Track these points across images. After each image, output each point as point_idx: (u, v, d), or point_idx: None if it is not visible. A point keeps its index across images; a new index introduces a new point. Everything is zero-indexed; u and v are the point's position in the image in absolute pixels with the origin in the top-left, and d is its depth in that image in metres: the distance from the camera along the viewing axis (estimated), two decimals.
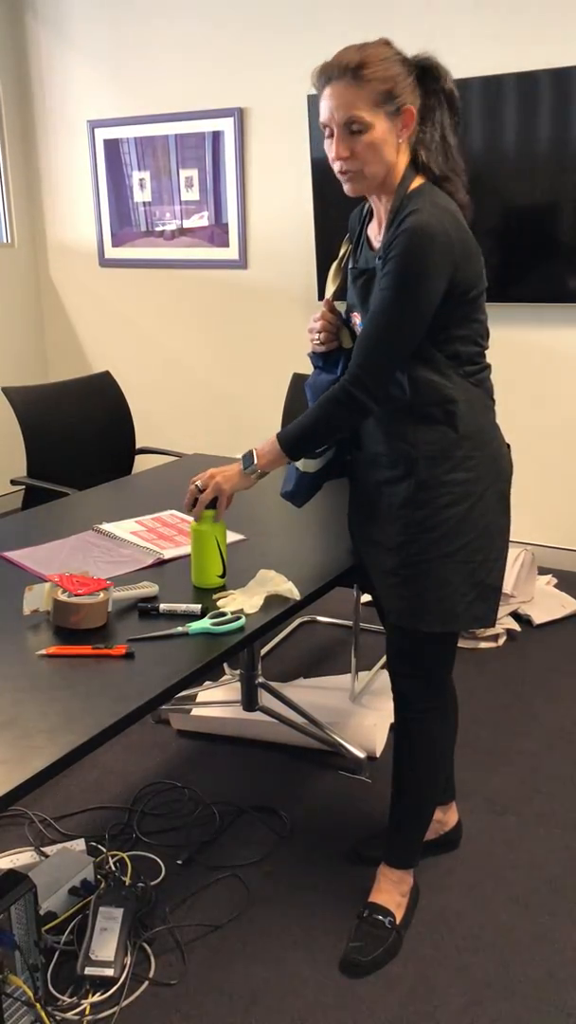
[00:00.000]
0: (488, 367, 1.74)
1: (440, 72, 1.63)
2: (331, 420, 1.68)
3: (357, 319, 1.77)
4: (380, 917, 1.91)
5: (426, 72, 1.62)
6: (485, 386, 1.72)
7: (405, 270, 1.55)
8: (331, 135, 1.61)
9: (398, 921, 1.92)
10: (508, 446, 1.82)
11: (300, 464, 1.93)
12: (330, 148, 1.62)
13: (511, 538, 3.99)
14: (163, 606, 1.74)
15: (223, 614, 1.71)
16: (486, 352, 1.72)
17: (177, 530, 2.17)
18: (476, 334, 1.68)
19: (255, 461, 1.78)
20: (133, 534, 2.15)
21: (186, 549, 2.05)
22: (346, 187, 1.66)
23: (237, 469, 1.81)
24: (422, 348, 1.64)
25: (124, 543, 2.10)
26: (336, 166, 1.63)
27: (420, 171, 1.65)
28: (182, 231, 4.38)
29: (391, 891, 1.95)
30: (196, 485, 1.84)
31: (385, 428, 1.72)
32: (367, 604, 3.43)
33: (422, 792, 1.92)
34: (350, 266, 1.80)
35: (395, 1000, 1.78)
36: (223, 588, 1.86)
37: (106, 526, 2.19)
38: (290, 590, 1.80)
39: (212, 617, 1.69)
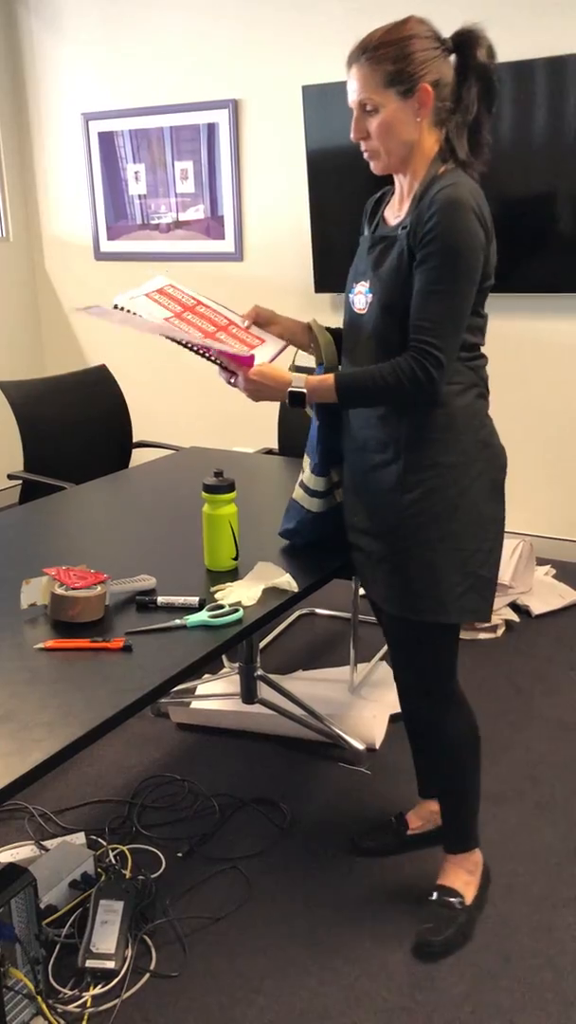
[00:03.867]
0: (484, 358, 1.73)
1: (472, 46, 1.60)
2: (393, 389, 1.60)
3: (363, 288, 1.71)
4: (450, 899, 1.92)
5: (460, 48, 1.61)
6: (480, 374, 1.71)
7: (452, 244, 1.54)
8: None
9: (468, 901, 1.92)
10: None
11: (303, 501, 1.94)
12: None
13: (509, 528, 3.99)
14: (161, 599, 1.74)
15: (221, 606, 1.71)
16: (481, 347, 1.71)
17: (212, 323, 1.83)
18: (476, 326, 1.67)
19: (303, 384, 1.69)
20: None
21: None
22: (371, 166, 1.67)
23: (286, 382, 1.71)
24: None
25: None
26: (361, 146, 1.65)
27: (447, 155, 1.65)
28: (178, 224, 4.37)
29: (457, 872, 1.95)
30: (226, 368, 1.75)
31: (378, 410, 1.70)
32: (365, 596, 3.43)
33: (454, 780, 1.90)
34: (365, 235, 1.78)
35: (396, 990, 1.78)
36: (236, 571, 1.87)
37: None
38: (288, 582, 1.80)
39: (210, 610, 1.69)
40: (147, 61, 4.24)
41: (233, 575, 1.87)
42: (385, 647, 3.12)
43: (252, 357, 1.73)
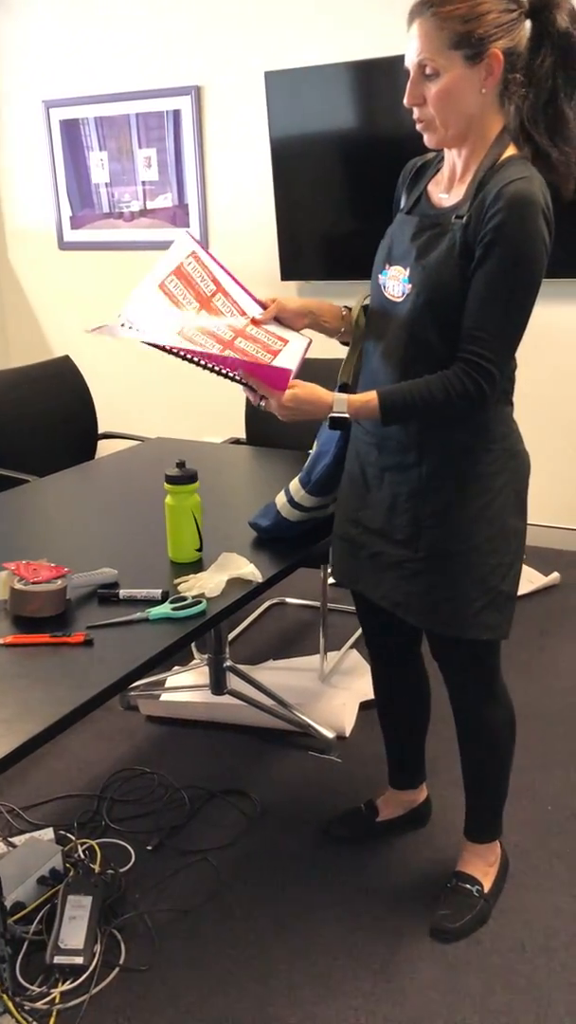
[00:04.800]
0: (515, 362, 1.62)
1: (552, 9, 1.40)
2: (441, 407, 1.50)
3: (399, 273, 1.57)
4: (468, 886, 1.91)
5: (538, 12, 1.41)
6: (512, 379, 1.63)
7: (519, 249, 1.42)
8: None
9: (486, 890, 1.92)
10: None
11: (283, 510, 1.91)
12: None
13: None
14: (123, 592, 1.72)
15: (184, 599, 1.69)
16: None
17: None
18: None
19: (346, 408, 1.56)
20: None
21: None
22: (424, 138, 1.51)
23: (325, 405, 1.58)
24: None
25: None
26: (415, 113, 1.48)
27: (514, 137, 1.47)
28: (143, 212, 4.33)
29: (476, 862, 1.95)
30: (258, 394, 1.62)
31: None
32: (334, 585, 3.43)
33: (488, 770, 1.88)
34: (402, 208, 1.63)
35: (368, 977, 1.79)
36: (200, 562, 1.86)
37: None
38: (252, 572, 1.79)
39: (173, 602, 1.67)
40: (108, 46, 4.18)
41: (197, 566, 1.86)
42: (355, 635, 3.12)
43: (286, 380, 1.55)
